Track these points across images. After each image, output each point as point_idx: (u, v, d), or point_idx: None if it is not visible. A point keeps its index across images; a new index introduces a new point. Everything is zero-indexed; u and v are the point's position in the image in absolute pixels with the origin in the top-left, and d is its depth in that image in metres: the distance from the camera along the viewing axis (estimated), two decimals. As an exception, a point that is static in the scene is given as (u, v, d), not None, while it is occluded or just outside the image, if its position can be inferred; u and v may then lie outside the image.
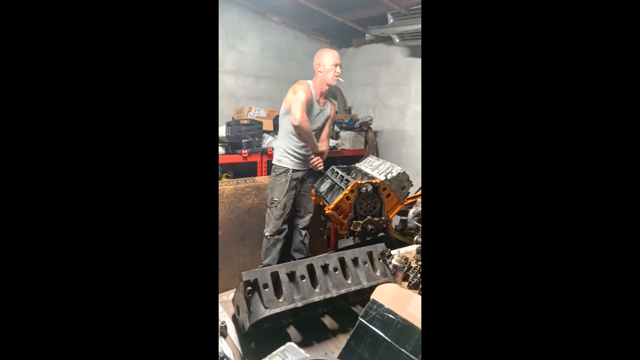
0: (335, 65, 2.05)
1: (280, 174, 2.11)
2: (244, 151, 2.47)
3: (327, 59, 2.04)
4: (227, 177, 2.66)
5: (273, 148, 2.26)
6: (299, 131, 1.95)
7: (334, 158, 3.09)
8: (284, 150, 2.11)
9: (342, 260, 1.02)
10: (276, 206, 2.08)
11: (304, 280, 0.93)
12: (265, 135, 2.77)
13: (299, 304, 0.89)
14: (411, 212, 1.65)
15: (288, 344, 0.80)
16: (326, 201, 1.90)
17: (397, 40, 2.80)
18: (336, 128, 3.19)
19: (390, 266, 1.16)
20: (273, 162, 2.17)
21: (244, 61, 3.10)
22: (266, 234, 2.12)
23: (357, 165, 2.29)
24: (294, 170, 2.10)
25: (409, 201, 2.03)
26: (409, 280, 1.22)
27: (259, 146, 2.63)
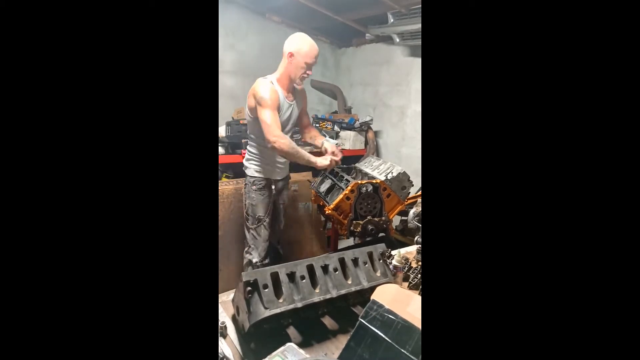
0: (308, 64, 1.59)
1: (263, 187, 1.73)
2: (243, 151, 2.44)
3: (303, 50, 1.57)
4: (227, 177, 2.65)
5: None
6: (279, 153, 1.59)
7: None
8: (262, 158, 1.72)
9: (342, 261, 1.02)
10: (263, 224, 1.72)
11: (304, 281, 0.93)
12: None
13: (299, 305, 0.89)
14: (411, 212, 1.65)
15: (288, 344, 0.80)
16: (326, 201, 1.90)
17: (398, 40, 2.79)
18: (336, 128, 3.19)
19: (391, 266, 1.16)
20: (249, 173, 1.74)
21: (244, 61, 3.09)
22: (254, 260, 1.73)
23: (357, 165, 2.29)
24: (275, 181, 1.77)
25: (409, 201, 2.03)
26: (409, 280, 1.22)
27: (259, 146, 2.61)
